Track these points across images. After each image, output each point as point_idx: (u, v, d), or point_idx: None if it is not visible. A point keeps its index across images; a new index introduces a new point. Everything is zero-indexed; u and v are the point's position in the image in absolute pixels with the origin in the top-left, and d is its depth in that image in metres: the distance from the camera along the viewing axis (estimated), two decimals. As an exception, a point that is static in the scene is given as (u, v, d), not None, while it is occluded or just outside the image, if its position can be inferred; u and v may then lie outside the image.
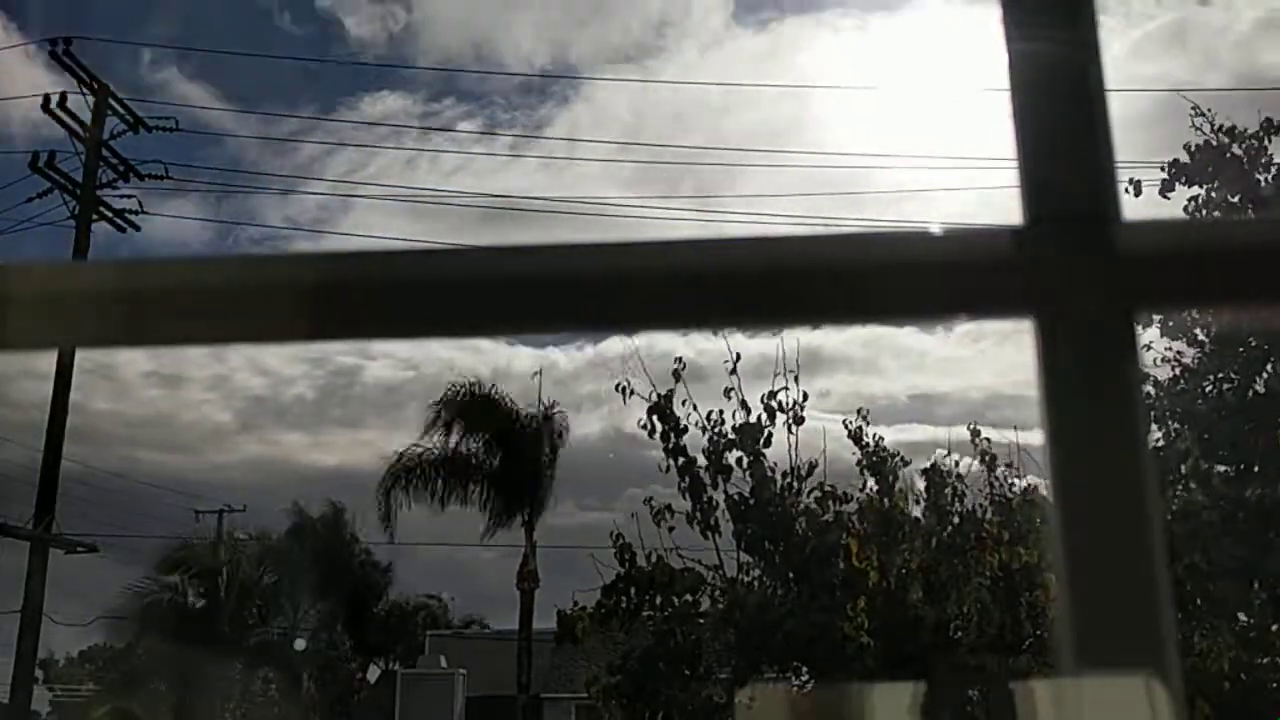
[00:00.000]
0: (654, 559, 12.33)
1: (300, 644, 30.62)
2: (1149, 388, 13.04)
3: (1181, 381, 13.45)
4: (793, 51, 33.85)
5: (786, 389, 12.71)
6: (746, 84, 29.96)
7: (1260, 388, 13.18)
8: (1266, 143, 13.23)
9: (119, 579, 29.02)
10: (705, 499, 12.34)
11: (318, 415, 39.03)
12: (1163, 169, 13.31)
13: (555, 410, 25.86)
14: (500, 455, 25.20)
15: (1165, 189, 13.22)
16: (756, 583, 12.50)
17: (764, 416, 12.59)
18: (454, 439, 25.43)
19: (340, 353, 35.83)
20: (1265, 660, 11.75)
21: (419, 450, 25.67)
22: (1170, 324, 13.09)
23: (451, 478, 25.37)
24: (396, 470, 25.64)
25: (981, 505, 12.65)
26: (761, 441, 12.50)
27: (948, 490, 12.66)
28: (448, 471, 25.39)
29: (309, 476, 38.14)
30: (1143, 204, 13.01)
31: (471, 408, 25.36)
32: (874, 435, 12.75)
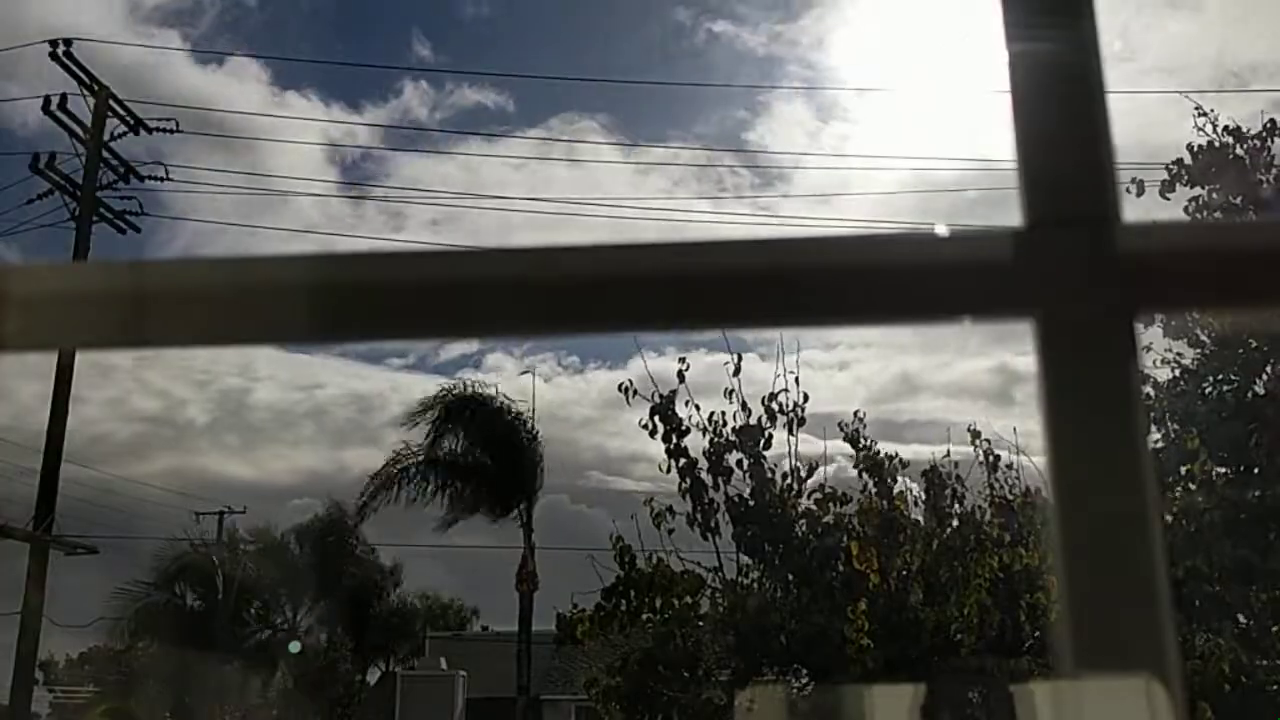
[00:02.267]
0: (654, 561, 12.33)
1: (295, 646, 30.59)
2: (1149, 389, 13.04)
3: (1182, 383, 13.45)
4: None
5: (787, 391, 12.73)
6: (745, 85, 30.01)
7: (1260, 389, 13.18)
8: (1270, 143, 13.24)
9: (118, 581, 29.05)
10: (706, 500, 12.34)
11: (213, 435, 40.30)
12: (1166, 169, 13.32)
13: (526, 409, 25.96)
14: (491, 454, 25.23)
15: (1166, 189, 13.24)
16: (756, 585, 12.50)
17: (764, 418, 12.60)
18: (444, 438, 25.52)
19: (227, 373, 37.13)
20: (1266, 662, 11.74)
21: (409, 452, 25.73)
22: (1171, 325, 13.09)
23: (444, 478, 25.40)
24: (388, 471, 25.66)
25: (981, 507, 12.65)
26: (762, 443, 12.51)
27: (947, 492, 12.66)
28: (440, 472, 25.42)
29: (232, 487, 38.73)
30: (1144, 204, 13.04)
31: (463, 406, 25.45)
32: (869, 439, 12.75)
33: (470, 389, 25.79)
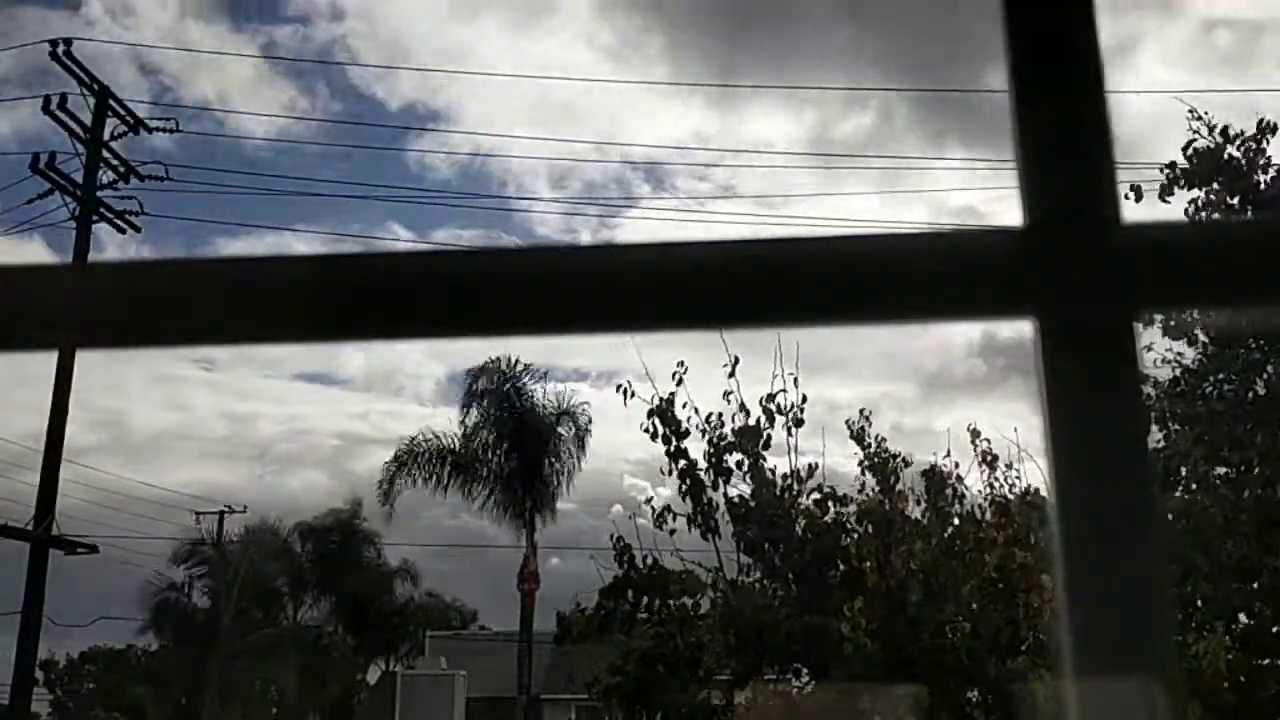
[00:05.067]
0: (652, 561, 12.34)
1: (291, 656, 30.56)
2: (1149, 389, 13.04)
3: (1182, 383, 13.44)
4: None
5: (785, 391, 12.72)
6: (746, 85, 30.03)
7: (1260, 389, 13.18)
8: (1264, 144, 13.24)
9: (120, 580, 29.07)
10: (705, 501, 12.34)
11: (97, 450, 41.03)
12: (1161, 171, 13.33)
13: (577, 406, 25.75)
14: (512, 449, 25.13)
15: (1164, 192, 13.24)
16: (756, 584, 12.50)
17: (763, 419, 12.59)
18: (472, 421, 25.37)
19: (102, 394, 38.05)
20: (1264, 662, 11.74)
21: (428, 439, 25.67)
22: (1171, 324, 13.09)
23: (459, 469, 25.33)
24: (402, 458, 25.61)
25: (980, 507, 12.65)
26: (761, 444, 12.50)
27: (947, 491, 12.65)
28: (455, 463, 25.35)
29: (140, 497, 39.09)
30: (1142, 209, 13.05)
31: (501, 385, 25.29)
32: (876, 436, 12.74)
33: (498, 379, 25.49)
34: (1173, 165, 13.32)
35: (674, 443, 12.43)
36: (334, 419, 44.97)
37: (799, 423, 12.75)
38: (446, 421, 26.43)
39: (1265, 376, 13.19)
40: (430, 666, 27.71)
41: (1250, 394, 13.16)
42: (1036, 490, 12.11)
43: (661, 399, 12.45)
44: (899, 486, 12.51)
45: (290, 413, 44.25)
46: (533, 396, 25.53)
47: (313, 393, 43.46)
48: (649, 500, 12.61)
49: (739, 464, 12.43)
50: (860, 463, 12.64)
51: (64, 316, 1.02)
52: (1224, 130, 13.24)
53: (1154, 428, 12.93)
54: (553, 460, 25.34)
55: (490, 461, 25.30)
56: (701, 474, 12.40)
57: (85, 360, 21.16)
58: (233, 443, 42.79)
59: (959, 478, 12.75)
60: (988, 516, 12.44)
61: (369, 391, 43.56)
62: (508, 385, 25.43)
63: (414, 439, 25.71)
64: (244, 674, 30.19)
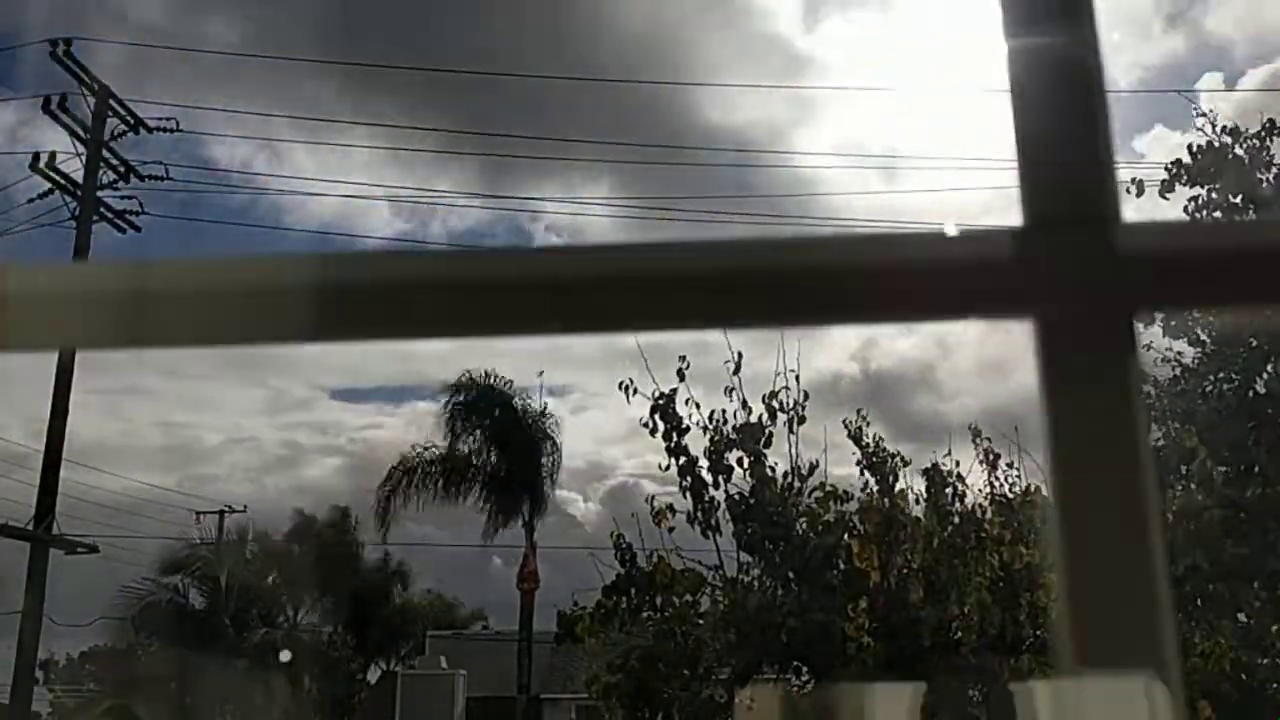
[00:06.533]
0: (654, 559, 12.34)
1: (285, 655, 30.49)
2: (1149, 387, 13.04)
3: (1182, 381, 13.45)
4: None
5: (787, 388, 12.71)
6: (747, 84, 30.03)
7: (1261, 388, 13.18)
8: (1269, 143, 13.25)
9: (120, 580, 29.06)
10: (706, 499, 12.34)
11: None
12: (1165, 169, 13.34)
13: (549, 411, 26.01)
14: (500, 454, 25.27)
15: (1166, 189, 13.25)
16: (757, 583, 12.50)
17: (765, 416, 12.59)
18: (457, 434, 25.55)
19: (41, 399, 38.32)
20: (1266, 661, 11.73)
21: (420, 450, 25.79)
22: (1171, 324, 13.09)
23: (452, 477, 25.44)
24: (397, 472, 25.72)
25: (982, 505, 12.64)
26: (762, 441, 12.50)
27: (948, 490, 12.65)
28: (448, 471, 25.45)
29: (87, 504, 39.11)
30: (1143, 204, 13.07)
31: (481, 398, 25.45)
32: (874, 435, 12.74)
33: (485, 382, 25.64)
34: (1177, 162, 13.33)
35: (674, 439, 12.43)
36: (282, 429, 45.06)
37: (801, 420, 12.76)
38: (400, 432, 26.53)
39: (1265, 375, 13.20)
40: (430, 666, 27.73)
41: (1250, 393, 13.17)
42: (1037, 488, 12.11)
43: (662, 394, 12.45)
44: (899, 485, 12.52)
45: (237, 422, 44.20)
46: (518, 401, 25.71)
47: (258, 400, 43.49)
48: (650, 499, 12.60)
49: (739, 461, 12.43)
50: (859, 462, 12.64)
51: (64, 316, 1.02)
52: (1234, 129, 13.25)
53: (1154, 426, 12.93)
54: (546, 461, 25.48)
55: (485, 466, 25.43)
56: (702, 471, 12.39)
57: (22, 370, 21.20)
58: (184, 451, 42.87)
59: (960, 476, 12.75)
60: (989, 515, 12.44)
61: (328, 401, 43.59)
62: (495, 393, 25.61)
63: (404, 457, 25.89)
64: (244, 675, 30.17)
